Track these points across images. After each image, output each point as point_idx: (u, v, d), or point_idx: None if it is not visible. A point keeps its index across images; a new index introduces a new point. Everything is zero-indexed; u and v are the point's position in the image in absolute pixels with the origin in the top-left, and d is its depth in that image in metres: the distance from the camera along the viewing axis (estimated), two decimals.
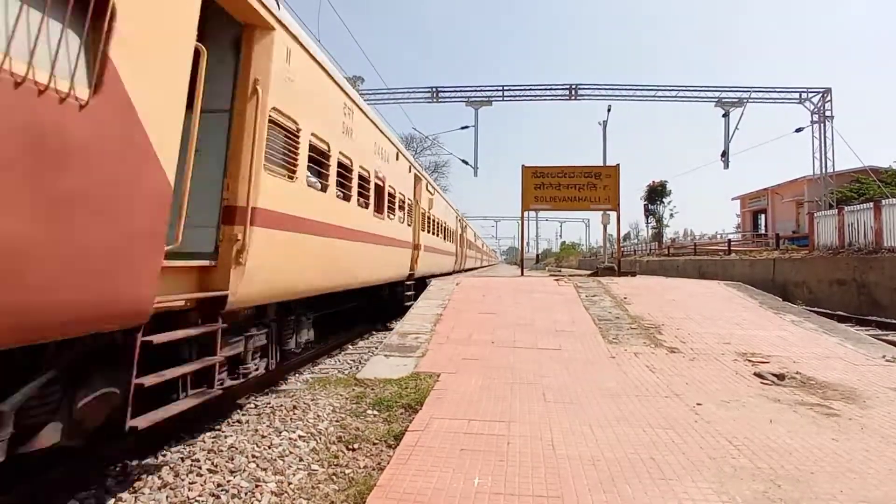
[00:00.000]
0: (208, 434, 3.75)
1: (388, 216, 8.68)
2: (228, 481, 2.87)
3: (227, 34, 4.11)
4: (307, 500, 2.69)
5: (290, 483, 2.86)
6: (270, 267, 4.21)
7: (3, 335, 1.97)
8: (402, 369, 5.04)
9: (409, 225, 10.68)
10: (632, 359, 5.51)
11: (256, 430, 3.62)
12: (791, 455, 3.04)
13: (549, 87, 24.07)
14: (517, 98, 24.54)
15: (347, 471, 3.00)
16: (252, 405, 4.56)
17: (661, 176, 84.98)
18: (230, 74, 4.06)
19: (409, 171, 10.90)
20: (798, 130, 23.41)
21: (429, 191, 13.48)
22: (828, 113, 22.30)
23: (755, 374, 4.95)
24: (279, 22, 4.23)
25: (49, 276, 2.09)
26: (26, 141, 1.95)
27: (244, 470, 3.01)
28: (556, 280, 11.87)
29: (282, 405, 4.19)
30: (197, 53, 3.03)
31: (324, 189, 5.51)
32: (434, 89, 24.30)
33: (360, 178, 6.88)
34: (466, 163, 25.68)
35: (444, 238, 17.09)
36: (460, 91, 24.42)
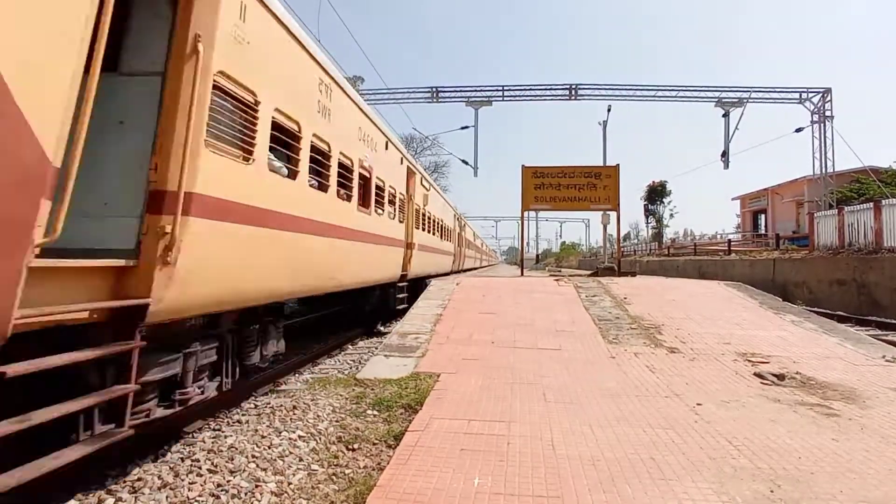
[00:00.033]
0: (208, 434, 3.75)
1: (376, 211, 7.88)
2: (228, 481, 2.87)
3: None
4: (307, 500, 2.69)
5: (289, 483, 2.86)
6: (218, 267, 3.52)
7: None
8: (402, 369, 5.04)
9: (400, 221, 9.86)
10: (632, 359, 5.51)
11: (256, 430, 3.62)
12: (791, 455, 3.04)
13: (549, 87, 24.08)
14: (517, 98, 24.55)
15: (347, 471, 3.00)
16: (252, 405, 4.56)
17: (661, 176, 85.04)
18: (166, 29, 3.26)
19: (401, 162, 10.04)
20: (798, 130, 23.42)
21: (423, 186, 12.75)
22: (828, 113, 22.31)
23: (755, 374, 4.95)
24: None
25: None
26: None
27: (244, 470, 3.01)
28: (556, 280, 11.87)
29: (282, 405, 4.19)
30: None
31: (293, 176, 4.71)
32: (434, 89, 24.31)
33: (342, 166, 6.08)
34: (466, 163, 25.70)
35: (441, 237, 16.22)
36: (460, 91, 24.42)
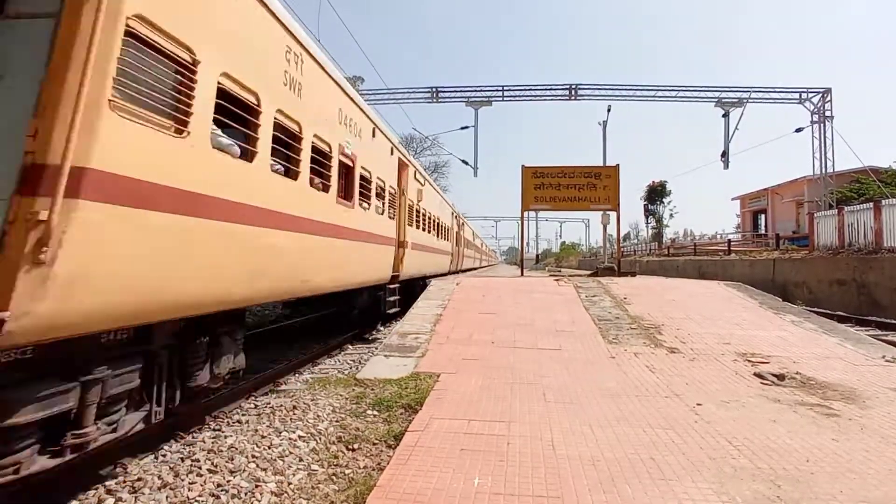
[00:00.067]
0: (208, 434, 3.75)
1: (361, 205, 7.11)
2: (228, 481, 2.87)
3: None
4: (307, 500, 2.69)
5: (289, 483, 2.86)
6: (132, 269, 2.78)
7: None
8: (402, 369, 5.04)
9: (391, 217, 9.03)
10: (632, 359, 5.51)
11: (256, 431, 3.62)
12: (791, 455, 3.04)
13: (549, 87, 24.09)
14: (517, 98, 24.55)
15: (347, 471, 3.00)
16: (252, 405, 4.56)
17: (661, 176, 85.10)
18: None
19: (392, 153, 9.21)
20: (798, 130, 23.43)
21: (417, 180, 11.89)
22: (828, 113, 22.32)
23: (755, 374, 4.95)
24: None
25: None
26: None
27: (244, 470, 3.01)
28: (556, 280, 11.87)
29: (282, 405, 4.19)
30: None
31: (249, 158, 3.95)
32: (434, 89, 24.31)
33: (317, 151, 5.33)
34: (466, 163, 25.71)
35: (438, 235, 15.40)
36: (460, 91, 24.43)
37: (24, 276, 2.22)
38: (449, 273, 17.59)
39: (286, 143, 4.66)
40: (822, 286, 14.71)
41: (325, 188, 5.67)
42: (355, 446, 3.33)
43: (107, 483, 3.00)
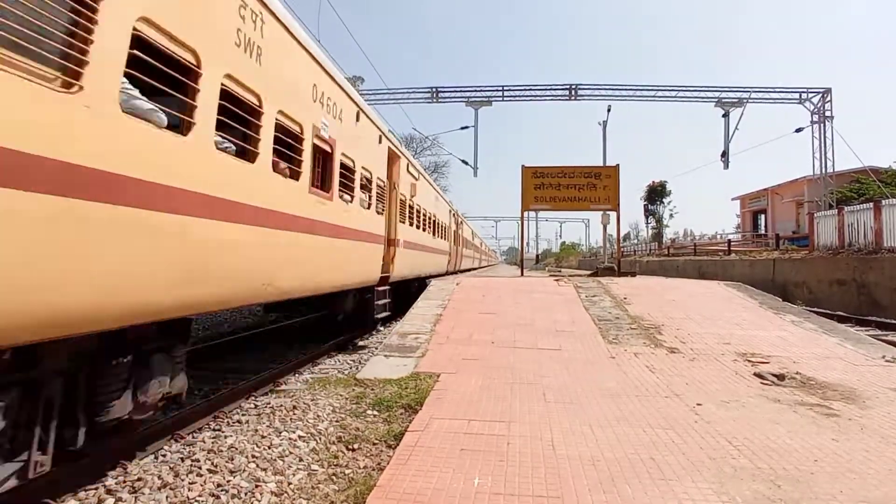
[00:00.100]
0: (208, 434, 3.75)
1: (342, 197, 6.29)
2: (228, 481, 2.87)
3: None
4: (307, 500, 2.69)
5: (289, 483, 2.86)
6: None
7: None
8: (402, 369, 5.04)
9: (379, 213, 8.13)
10: (632, 359, 5.51)
11: (256, 431, 3.62)
12: (791, 455, 3.04)
13: (549, 87, 24.09)
14: (517, 98, 24.56)
15: (347, 471, 3.00)
16: (252, 405, 4.56)
17: (661, 176, 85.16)
18: None
19: (380, 141, 8.26)
20: (798, 130, 23.45)
21: (411, 173, 11.02)
22: (828, 113, 22.33)
23: (755, 374, 4.95)
24: None
25: None
26: None
27: (244, 470, 3.01)
28: (556, 280, 11.87)
29: (282, 405, 4.19)
30: None
31: (183, 130, 3.18)
32: (434, 89, 24.32)
33: (283, 131, 4.60)
34: (466, 163, 25.72)
35: (434, 234, 14.47)
36: (460, 91, 24.44)
37: None
38: (447, 274, 16.84)
39: (240, 118, 3.83)
40: (822, 286, 14.71)
41: (295, 175, 4.85)
42: (355, 446, 3.33)
43: (107, 483, 3.00)
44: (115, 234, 2.68)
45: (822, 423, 3.62)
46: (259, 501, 2.68)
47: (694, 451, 3.07)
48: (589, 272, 16.77)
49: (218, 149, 3.57)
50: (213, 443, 3.46)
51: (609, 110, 24.13)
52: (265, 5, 4.15)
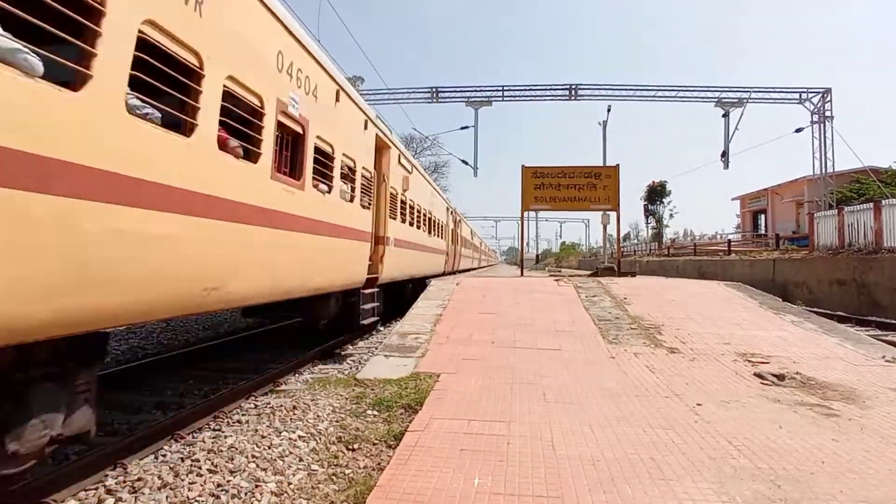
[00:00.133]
0: (208, 434, 3.75)
1: (317, 186, 5.52)
2: (228, 481, 2.87)
3: None
4: (307, 500, 2.69)
5: (289, 483, 2.87)
6: None
7: None
8: (402, 369, 5.04)
9: (365, 207, 7.31)
10: (632, 359, 5.51)
11: (256, 431, 3.62)
12: (791, 455, 3.04)
13: (549, 87, 24.10)
14: (517, 98, 24.57)
15: (347, 471, 3.00)
16: (252, 405, 4.56)
17: (661, 176, 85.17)
18: None
19: (366, 127, 7.37)
20: (798, 130, 23.46)
21: (402, 165, 10.13)
22: (828, 113, 22.33)
23: (755, 374, 4.95)
24: None
25: None
26: None
27: (244, 470, 3.01)
28: (556, 280, 11.88)
29: (282, 405, 4.19)
30: None
31: (76, 85, 2.45)
32: (434, 89, 24.33)
33: (234, 101, 3.80)
34: (466, 163, 25.74)
35: (430, 232, 13.71)
36: (460, 91, 24.45)
37: None
38: (444, 274, 16.13)
39: (170, 79, 3.09)
40: (822, 286, 14.72)
41: (252, 157, 4.09)
42: (355, 446, 3.33)
43: (107, 483, 3.00)
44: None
45: (822, 423, 3.62)
46: (259, 501, 2.68)
47: (694, 451, 3.07)
48: (589, 272, 16.77)
49: (131, 113, 2.82)
50: (213, 443, 3.46)
51: (609, 110, 24.15)
52: None
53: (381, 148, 8.38)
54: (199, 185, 3.41)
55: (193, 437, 3.75)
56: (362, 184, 7.21)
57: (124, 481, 2.98)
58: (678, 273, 22.99)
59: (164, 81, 3.06)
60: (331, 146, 5.88)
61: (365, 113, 7.39)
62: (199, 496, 2.74)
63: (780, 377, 4.80)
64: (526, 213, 15.19)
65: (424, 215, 12.89)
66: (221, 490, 2.78)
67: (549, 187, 14.08)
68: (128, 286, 2.88)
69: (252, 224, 4.10)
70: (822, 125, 22.46)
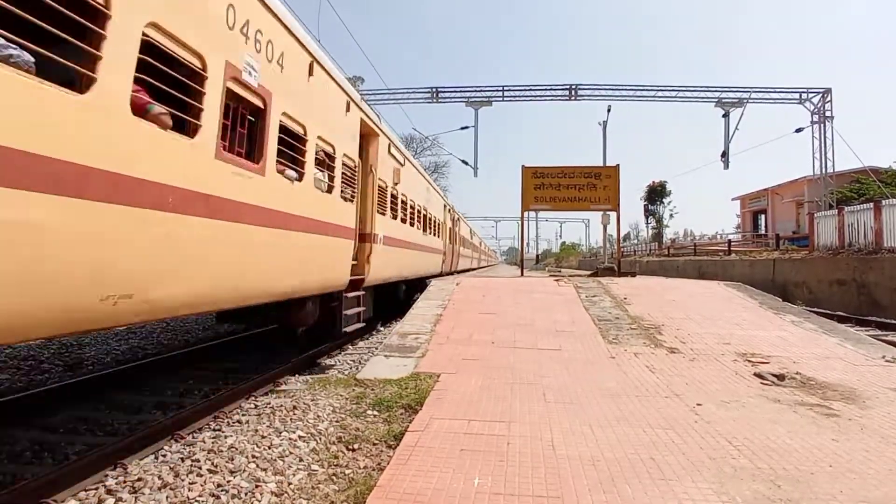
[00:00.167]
0: (208, 434, 3.75)
1: (283, 172, 4.78)
2: (228, 481, 2.87)
3: None
4: (307, 500, 2.69)
5: (290, 483, 2.86)
6: None
7: None
8: (402, 369, 5.04)
9: (348, 200, 6.56)
10: (632, 359, 5.51)
11: (256, 431, 3.62)
12: (791, 455, 3.04)
13: (549, 87, 24.12)
14: (517, 98, 24.58)
15: (347, 471, 3.00)
16: (252, 405, 4.56)
17: (661, 176, 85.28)
18: None
19: (348, 109, 6.53)
20: (798, 131, 23.48)
21: (393, 156, 9.14)
22: (828, 113, 22.34)
23: (755, 374, 4.95)
24: None
25: None
26: None
27: (244, 470, 3.01)
28: (556, 280, 11.87)
29: (282, 405, 4.19)
30: None
31: None
32: (434, 89, 24.34)
33: (159, 56, 3.10)
34: (466, 163, 25.76)
35: (425, 230, 12.96)
36: (460, 91, 24.47)
37: None
38: (441, 275, 15.48)
39: (53, 14, 2.39)
40: (822, 286, 14.72)
41: (188, 130, 3.35)
42: (355, 446, 3.33)
43: (107, 483, 3.00)
44: None
45: (822, 423, 3.62)
46: (259, 501, 2.68)
47: (694, 451, 3.07)
48: (589, 272, 16.77)
49: None
50: (213, 443, 3.46)
51: (609, 110, 24.18)
52: None
53: (367, 135, 7.55)
54: (94, 158, 2.61)
55: (193, 437, 3.75)
56: (344, 173, 6.43)
57: (124, 481, 2.98)
58: (678, 273, 22.99)
59: (41, 17, 2.30)
60: (302, 126, 5.10)
61: (347, 93, 6.56)
62: (200, 496, 2.74)
63: (780, 377, 4.80)
64: (526, 214, 15.19)
65: (419, 212, 12.09)
66: (221, 490, 2.78)
67: (549, 187, 14.08)
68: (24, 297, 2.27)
69: (185, 213, 3.27)
70: (822, 125, 22.47)
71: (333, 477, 2.94)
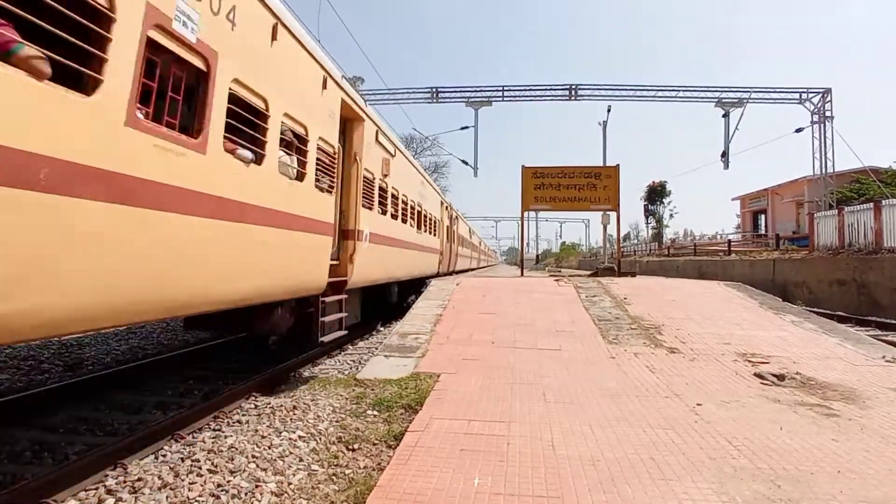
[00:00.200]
0: (208, 434, 3.75)
1: (233, 152, 3.86)
2: (228, 481, 2.87)
3: None
4: (307, 500, 2.69)
5: (290, 483, 2.87)
6: None
7: None
8: (402, 369, 5.04)
9: (324, 191, 5.60)
10: (632, 359, 5.51)
11: (256, 431, 3.62)
12: (791, 455, 3.04)
13: (549, 87, 24.12)
14: (517, 98, 24.59)
15: (347, 471, 3.00)
16: (252, 405, 4.56)
17: (661, 176, 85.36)
18: None
19: (325, 86, 5.58)
20: (798, 131, 23.48)
21: (382, 144, 8.19)
22: (828, 113, 22.34)
23: (755, 374, 4.95)
24: None
25: None
26: None
27: (244, 470, 3.01)
28: (556, 280, 11.87)
29: (282, 405, 4.19)
30: None
31: None
32: (434, 89, 24.34)
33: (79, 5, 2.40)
34: (466, 163, 25.76)
35: (420, 227, 12.02)
36: (460, 91, 24.47)
37: None
38: (437, 276, 14.68)
39: None
40: (822, 286, 14.72)
41: (84, 86, 2.52)
42: (355, 446, 3.33)
43: (107, 483, 3.00)
44: None
45: (822, 424, 3.62)
46: (259, 501, 2.68)
47: (694, 451, 3.07)
48: (589, 272, 16.77)
49: None
50: (213, 443, 3.46)
51: (609, 110, 24.19)
52: None
53: (350, 119, 6.71)
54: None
55: (193, 437, 3.75)
56: (320, 160, 5.52)
57: (124, 481, 2.98)
58: (678, 273, 22.99)
59: None
60: (262, 99, 4.25)
61: (324, 67, 5.54)
62: (200, 496, 2.74)
63: (780, 377, 4.80)
64: (526, 214, 15.19)
65: (412, 208, 11.14)
66: (221, 490, 2.78)
67: (549, 187, 14.08)
68: None
69: (69, 195, 2.41)
70: (822, 125, 22.47)
71: (333, 477, 2.94)
